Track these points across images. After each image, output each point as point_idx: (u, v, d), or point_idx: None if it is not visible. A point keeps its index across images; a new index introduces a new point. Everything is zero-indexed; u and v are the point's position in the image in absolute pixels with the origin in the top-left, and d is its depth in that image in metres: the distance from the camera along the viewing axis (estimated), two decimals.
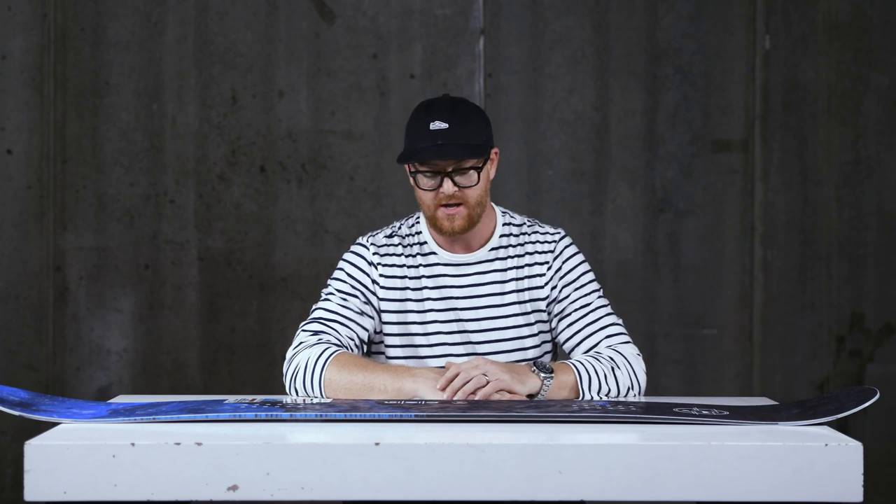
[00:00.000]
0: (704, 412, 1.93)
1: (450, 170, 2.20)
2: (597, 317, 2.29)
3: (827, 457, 1.65)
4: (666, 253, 3.82)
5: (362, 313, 2.28)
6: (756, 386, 3.79)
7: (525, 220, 2.38)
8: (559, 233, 2.36)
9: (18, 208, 3.76)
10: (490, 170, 2.28)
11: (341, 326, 2.25)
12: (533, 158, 3.81)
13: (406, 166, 2.27)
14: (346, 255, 2.35)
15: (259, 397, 2.07)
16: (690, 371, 3.82)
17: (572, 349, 2.30)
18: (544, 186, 3.81)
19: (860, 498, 1.65)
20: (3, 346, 3.72)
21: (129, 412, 1.93)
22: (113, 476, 1.64)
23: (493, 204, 2.37)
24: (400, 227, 2.37)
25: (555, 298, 2.31)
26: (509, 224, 2.36)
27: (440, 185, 2.21)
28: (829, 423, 1.85)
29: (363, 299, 2.29)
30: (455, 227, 2.23)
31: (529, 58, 3.82)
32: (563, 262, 2.33)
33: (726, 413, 1.93)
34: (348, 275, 2.31)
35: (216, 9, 3.79)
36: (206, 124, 3.79)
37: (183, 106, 3.78)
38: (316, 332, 2.23)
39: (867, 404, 1.89)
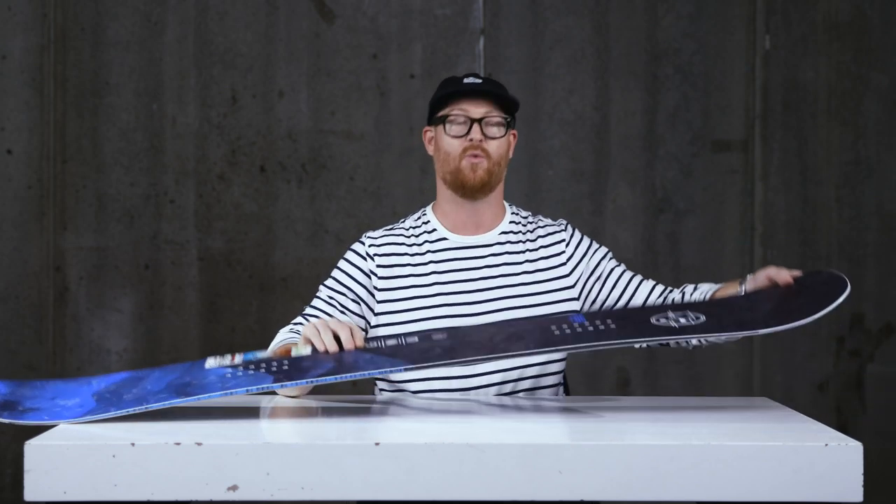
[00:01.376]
0: (681, 319, 1.98)
1: (479, 117, 2.30)
2: (634, 278, 2.41)
3: (827, 457, 1.65)
4: (666, 253, 3.82)
5: (345, 311, 2.30)
6: (756, 386, 3.79)
7: (529, 213, 2.47)
8: (563, 220, 2.47)
9: (18, 208, 3.76)
10: (511, 144, 2.40)
11: None
12: (533, 158, 3.81)
13: (427, 132, 2.40)
14: (345, 254, 2.39)
15: (239, 356, 2.04)
16: (690, 371, 3.82)
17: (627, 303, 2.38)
18: (544, 186, 3.81)
19: (860, 498, 1.65)
20: (3, 346, 3.72)
21: (113, 396, 1.91)
22: (113, 476, 1.64)
23: (504, 201, 2.44)
24: (404, 221, 2.43)
25: (587, 270, 2.38)
26: (517, 214, 2.44)
27: (468, 133, 2.30)
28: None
29: (351, 296, 2.32)
30: (477, 177, 2.30)
31: (529, 58, 3.82)
32: (580, 241, 2.41)
33: (702, 319, 2.01)
34: (342, 270, 2.35)
35: (216, 9, 3.79)
36: (206, 124, 3.79)
37: (183, 106, 3.78)
38: (293, 323, 2.29)
39: (841, 299, 2.01)
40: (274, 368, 1.96)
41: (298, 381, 1.92)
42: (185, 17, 3.78)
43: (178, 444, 1.65)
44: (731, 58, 3.82)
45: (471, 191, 2.32)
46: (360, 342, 2.04)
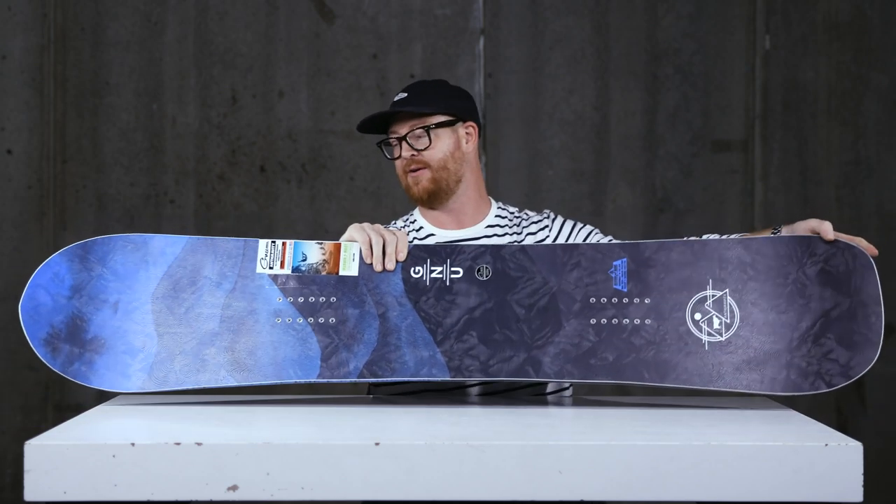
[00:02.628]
0: (716, 319, 1.98)
1: (404, 134, 2.35)
2: None
3: (827, 457, 1.65)
4: None
5: None
6: None
7: (516, 209, 2.50)
8: (547, 210, 2.50)
9: (18, 208, 3.76)
10: (462, 140, 2.39)
11: None
12: (533, 158, 3.81)
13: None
14: None
15: (289, 247, 2.08)
16: None
17: None
18: (544, 186, 3.81)
19: (860, 498, 1.65)
20: (3, 346, 3.72)
21: (171, 313, 2.00)
22: (113, 476, 1.64)
23: (491, 198, 2.47)
24: (395, 223, 2.46)
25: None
26: (503, 209, 2.46)
27: (401, 153, 2.36)
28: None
29: None
30: (420, 189, 2.36)
31: (529, 58, 3.82)
32: (563, 223, 2.44)
33: (736, 324, 1.98)
34: None
35: (216, 9, 3.79)
36: (206, 124, 3.79)
37: (183, 106, 3.78)
38: None
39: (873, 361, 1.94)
40: (321, 321, 2.02)
41: (342, 379, 2.00)
42: (185, 17, 3.78)
43: (178, 444, 1.65)
44: (731, 58, 3.82)
45: (425, 202, 2.38)
46: (402, 256, 2.06)
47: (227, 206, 3.78)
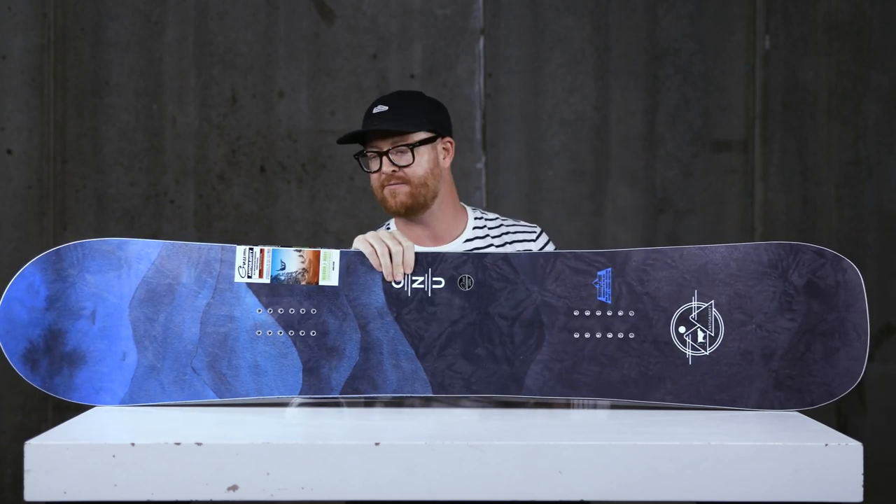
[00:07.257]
0: (700, 333, 1.97)
1: (386, 149, 2.34)
2: None
3: (827, 457, 1.65)
4: None
5: None
6: None
7: (497, 216, 2.49)
8: (537, 227, 2.49)
9: (18, 208, 3.76)
10: (440, 156, 2.40)
11: None
12: (533, 158, 3.81)
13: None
14: None
15: (267, 253, 2.05)
16: None
17: None
18: (544, 186, 3.81)
19: (860, 498, 1.65)
20: None
21: (151, 322, 1.98)
22: (113, 476, 1.64)
23: (464, 205, 2.48)
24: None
25: None
26: (482, 218, 2.46)
27: (381, 166, 2.36)
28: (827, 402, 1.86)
29: None
30: (398, 202, 2.37)
31: (529, 58, 3.82)
32: (544, 246, 2.45)
33: (722, 332, 1.97)
34: None
35: (216, 9, 3.79)
36: (206, 124, 3.79)
37: (183, 106, 3.78)
38: None
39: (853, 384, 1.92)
40: (302, 334, 2.00)
41: (324, 396, 1.99)
42: (185, 17, 3.78)
43: (178, 444, 1.65)
44: (731, 58, 3.82)
45: (401, 214, 2.39)
46: (409, 269, 2.02)
47: (227, 206, 3.78)
